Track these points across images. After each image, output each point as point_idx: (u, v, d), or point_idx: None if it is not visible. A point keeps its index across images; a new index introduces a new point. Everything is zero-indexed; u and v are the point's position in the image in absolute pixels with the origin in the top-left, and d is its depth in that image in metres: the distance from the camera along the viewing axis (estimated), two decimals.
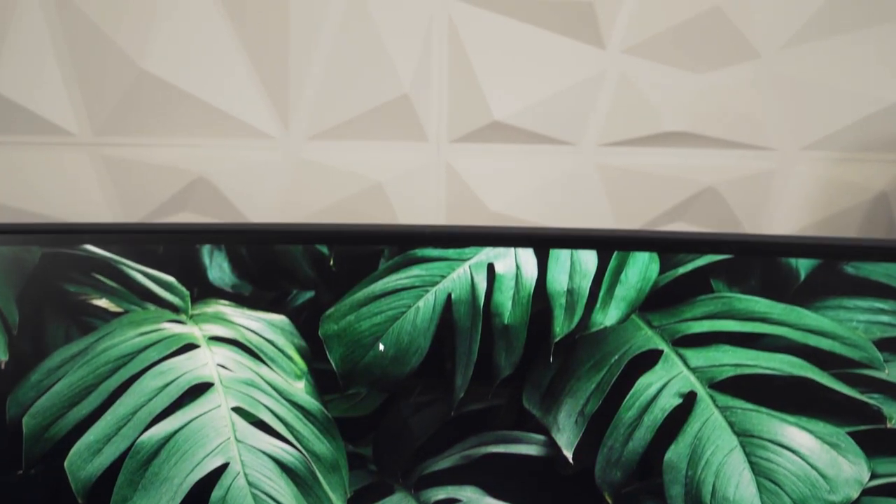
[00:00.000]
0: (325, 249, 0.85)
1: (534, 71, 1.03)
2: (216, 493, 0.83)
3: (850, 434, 0.82)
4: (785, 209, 1.06)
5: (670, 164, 1.05)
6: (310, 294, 0.86)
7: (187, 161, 1.05)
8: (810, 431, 0.82)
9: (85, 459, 0.84)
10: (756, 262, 0.83)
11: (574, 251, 0.83)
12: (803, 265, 0.82)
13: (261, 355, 0.86)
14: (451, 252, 0.84)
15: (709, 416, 0.83)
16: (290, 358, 0.86)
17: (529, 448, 0.86)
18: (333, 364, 0.85)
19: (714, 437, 0.83)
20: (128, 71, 1.03)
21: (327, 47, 1.02)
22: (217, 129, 1.04)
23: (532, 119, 1.03)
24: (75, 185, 1.07)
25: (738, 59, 1.03)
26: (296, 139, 1.05)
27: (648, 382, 0.83)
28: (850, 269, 0.82)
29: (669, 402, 0.83)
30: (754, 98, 1.04)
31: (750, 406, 0.83)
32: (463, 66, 1.03)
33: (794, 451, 0.82)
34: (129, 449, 0.84)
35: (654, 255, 0.83)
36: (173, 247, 0.86)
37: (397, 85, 1.03)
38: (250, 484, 0.84)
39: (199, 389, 0.85)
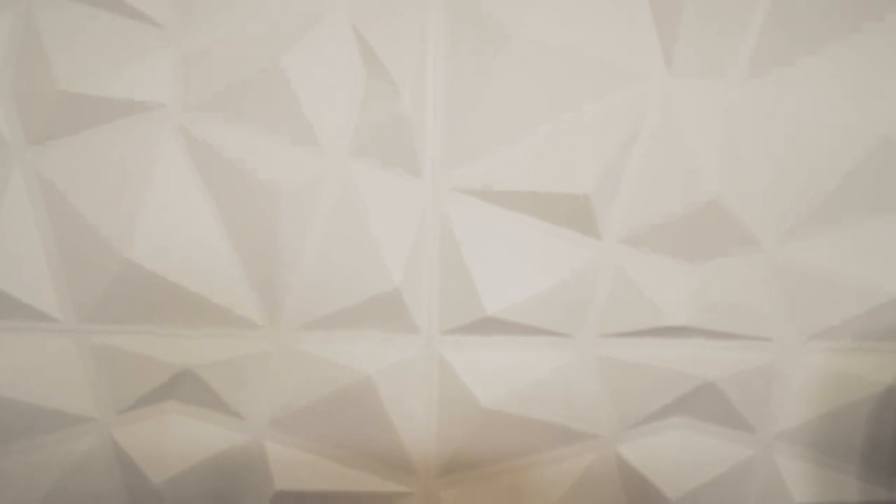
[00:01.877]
0: None
1: (528, 262, 1.00)
2: None
3: None
4: (788, 403, 1.03)
5: (670, 357, 1.02)
6: None
7: (173, 351, 1.03)
8: None
9: None
10: None
11: None
12: None
13: None
14: None
15: None
16: None
17: None
18: None
19: None
20: (113, 260, 1.01)
21: (317, 238, 1.00)
22: (204, 319, 1.02)
23: (527, 312, 1.01)
24: (59, 372, 1.04)
25: (739, 249, 1.00)
26: (284, 330, 1.02)
27: None
28: None
29: None
30: (756, 288, 1.01)
31: None
32: (455, 259, 1.00)
33: None
34: None
35: None
36: None
37: (387, 278, 1.00)
38: None
39: None
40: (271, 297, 1.02)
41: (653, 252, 1.00)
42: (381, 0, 0.98)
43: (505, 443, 1.05)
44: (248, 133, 1.00)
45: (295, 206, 1.00)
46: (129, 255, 1.00)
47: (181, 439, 1.06)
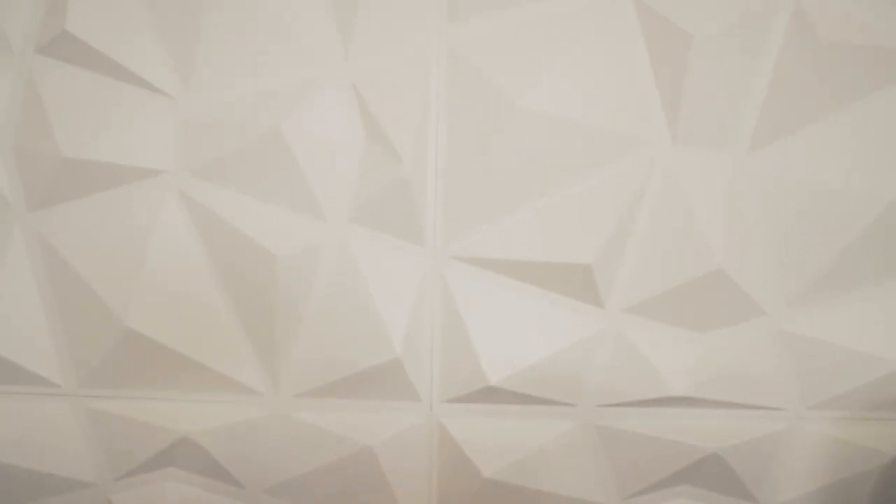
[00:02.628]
0: None
1: (530, 330, 1.00)
2: None
3: None
4: (792, 472, 1.02)
5: (672, 427, 1.01)
6: None
7: (172, 417, 1.02)
8: None
9: None
10: None
11: None
12: None
13: None
14: None
15: None
16: None
17: None
18: None
19: None
20: (113, 326, 1.01)
21: (317, 305, 1.00)
22: (203, 386, 1.02)
23: (528, 381, 1.00)
24: (58, 437, 1.04)
25: (743, 318, 0.99)
26: (283, 397, 1.02)
27: None
28: None
29: None
30: (760, 357, 1.00)
31: None
32: (456, 327, 1.00)
33: None
34: None
35: None
36: None
37: (388, 347, 0.99)
38: None
39: None
40: (271, 363, 1.01)
41: (656, 320, 1.00)
42: (383, 66, 0.98)
43: None
44: (248, 199, 1.00)
45: (295, 272, 0.99)
46: (129, 320, 1.00)
47: None
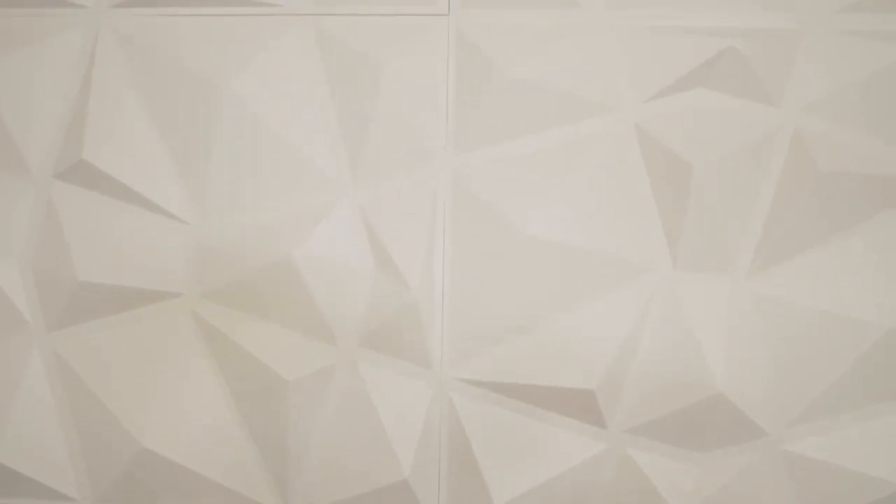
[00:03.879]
0: None
1: (535, 452, 1.02)
2: None
3: None
4: None
5: None
6: None
7: None
8: None
9: None
10: None
11: None
12: None
13: None
14: None
15: None
16: None
17: None
18: None
19: None
20: (129, 444, 1.04)
21: (327, 426, 1.02)
22: (216, 503, 1.04)
23: (534, 502, 1.02)
24: None
25: (744, 439, 1.01)
26: None
27: None
28: None
29: None
30: (760, 477, 1.02)
31: None
32: (463, 449, 1.02)
33: None
34: None
35: None
36: None
37: (396, 468, 1.02)
38: None
39: None
40: (283, 483, 1.03)
41: (658, 441, 1.01)
42: (391, 193, 1.01)
43: None
44: (260, 322, 1.03)
45: (306, 395, 1.02)
46: (144, 439, 1.03)
47: None
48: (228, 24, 1.02)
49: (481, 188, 1.00)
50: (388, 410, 1.02)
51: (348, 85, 1.01)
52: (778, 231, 0.98)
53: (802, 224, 0.98)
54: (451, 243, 1.01)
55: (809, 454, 1.01)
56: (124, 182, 1.03)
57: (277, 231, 1.02)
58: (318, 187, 1.02)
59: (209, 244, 1.03)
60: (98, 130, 1.03)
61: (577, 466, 1.02)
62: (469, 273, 1.01)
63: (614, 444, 1.02)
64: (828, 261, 0.98)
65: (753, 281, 0.99)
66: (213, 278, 1.03)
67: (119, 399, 1.04)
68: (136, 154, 1.03)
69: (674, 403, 1.00)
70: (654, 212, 0.99)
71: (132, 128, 1.03)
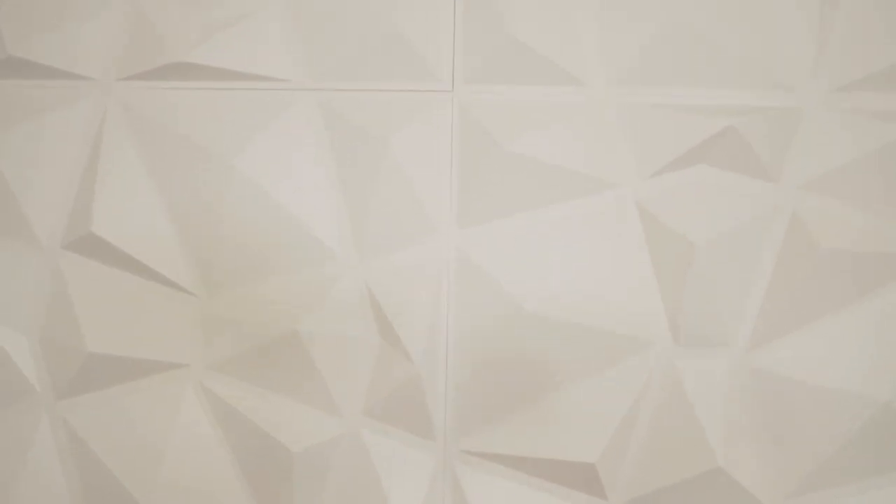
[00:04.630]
0: None
1: None
2: None
3: None
4: None
5: None
6: None
7: None
8: None
9: None
10: None
11: None
12: None
13: None
14: None
15: None
16: None
17: None
18: None
19: None
20: None
21: (331, 497, 1.04)
22: None
23: None
24: None
25: None
26: None
27: None
28: None
29: None
30: None
31: None
32: None
33: None
34: None
35: None
36: None
37: None
38: None
39: None
40: None
41: None
42: (395, 267, 1.03)
43: None
44: (266, 393, 1.04)
45: (310, 465, 1.03)
46: None
47: None
48: (235, 98, 1.04)
49: (484, 262, 1.02)
50: (392, 481, 1.03)
51: (353, 159, 1.03)
52: (776, 306, 1.00)
53: (800, 299, 1.00)
54: (454, 316, 1.02)
55: None
56: (132, 254, 1.04)
57: (283, 303, 1.03)
58: (323, 260, 1.03)
59: (216, 316, 1.04)
60: (106, 202, 1.04)
61: None
62: (472, 346, 1.02)
63: None
64: (825, 335, 1.00)
65: (752, 355, 1.00)
66: (219, 350, 1.05)
67: (127, 467, 1.05)
68: (143, 226, 1.04)
69: (673, 476, 1.02)
70: (654, 287, 1.01)
71: (140, 200, 1.05)
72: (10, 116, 1.06)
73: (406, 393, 1.03)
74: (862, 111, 0.98)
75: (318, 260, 1.03)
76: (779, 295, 1.00)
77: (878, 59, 0.98)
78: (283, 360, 1.04)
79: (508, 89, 1.02)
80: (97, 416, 1.06)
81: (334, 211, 1.03)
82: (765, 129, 0.99)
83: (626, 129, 1.01)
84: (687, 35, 0.99)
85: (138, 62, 1.05)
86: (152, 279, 1.05)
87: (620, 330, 1.01)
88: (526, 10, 1.01)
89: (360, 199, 1.03)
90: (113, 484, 1.05)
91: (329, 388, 1.03)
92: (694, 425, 1.01)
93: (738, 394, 1.01)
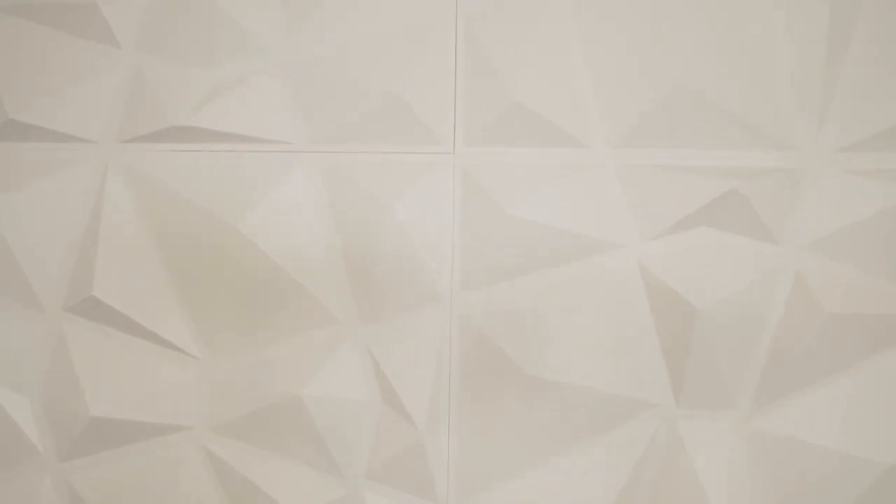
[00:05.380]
0: None
1: None
2: None
3: None
4: None
5: None
6: None
7: None
8: None
9: None
10: None
11: None
12: None
13: None
14: None
15: None
16: None
17: None
18: None
19: None
20: None
21: None
22: None
23: None
24: None
25: None
26: None
27: None
28: None
29: None
30: None
31: None
32: None
33: None
34: None
35: None
36: None
37: None
38: None
39: None
40: None
41: None
42: (398, 332, 1.02)
43: None
44: (268, 456, 1.04)
45: None
46: None
47: None
48: (237, 161, 1.03)
49: (486, 326, 1.01)
50: None
51: (355, 222, 1.02)
52: (780, 369, 1.00)
53: (804, 361, 0.99)
54: (457, 382, 1.02)
55: None
56: (133, 317, 1.04)
57: (285, 367, 1.03)
58: (325, 324, 1.03)
59: (218, 379, 1.04)
60: (107, 265, 1.04)
61: None
62: (475, 411, 1.02)
63: None
64: (829, 398, 1.00)
65: (755, 419, 1.00)
66: (222, 413, 1.04)
67: None
68: (145, 289, 1.04)
69: None
70: (657, 349, 1.01)
71: (141, 263, 1.04)
72: (11, 179, 1.06)
73: (408, 457, 1.03)
74: (865, 172, 0.98)
75: (320, 324, 1.03)
76: (782, 357, 0.99)
77: (881, 120, 0.98)
78: (284, 423, 1.04)
79: (510, 150, 1.01)
80: (100, 478, 1.06)
81: (335, 274, 1.03)
82: (767, 190, 0.99)
83: (628, 191, 1.00)
84: (689, 96, 0.99)
85: (139, 125, 1.04)
86: (154, 342, 1.04)
87: (622, 392, 1.01)
88: (526, 72, 1.00)
89: (361, 262, 1.02)
90: None
91: (331, 450, 1.03)
92: (696, 488, 1.01)
93: (741, 456, 1.01)
